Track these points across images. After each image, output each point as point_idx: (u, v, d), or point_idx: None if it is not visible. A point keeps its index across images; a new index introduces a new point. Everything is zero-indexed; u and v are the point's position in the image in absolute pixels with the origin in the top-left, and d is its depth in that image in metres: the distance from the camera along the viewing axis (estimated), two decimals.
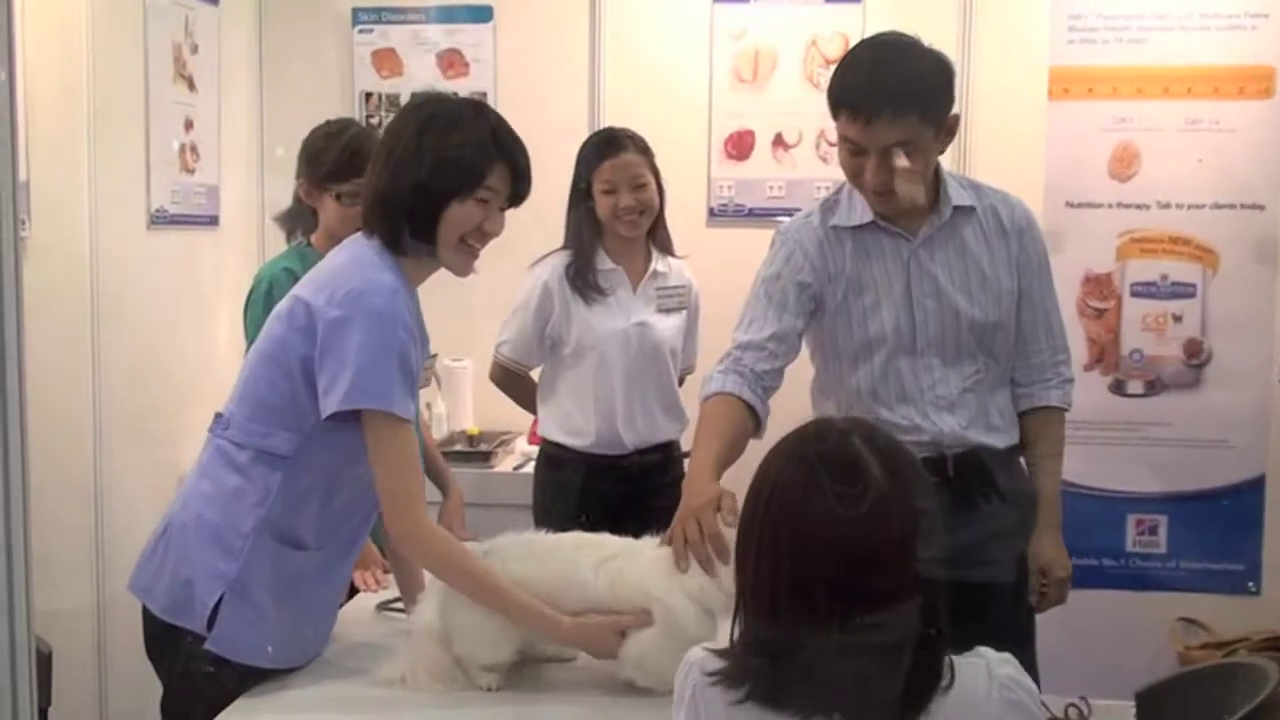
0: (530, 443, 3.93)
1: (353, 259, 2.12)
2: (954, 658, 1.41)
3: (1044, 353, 2.49)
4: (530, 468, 3.72)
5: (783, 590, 1.39)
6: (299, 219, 2.90)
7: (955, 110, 2.33)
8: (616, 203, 3.14)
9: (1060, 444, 2.52)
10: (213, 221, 3.96)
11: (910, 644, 1.36)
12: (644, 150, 3.18)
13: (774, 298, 2.42)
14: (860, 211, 2.40)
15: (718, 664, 1.47)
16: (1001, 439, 2.44)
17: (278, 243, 4.13)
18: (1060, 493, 2.52)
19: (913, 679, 1.36)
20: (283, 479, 2.08)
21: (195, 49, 3.77)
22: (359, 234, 2.20)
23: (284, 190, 4.14)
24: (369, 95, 4.24)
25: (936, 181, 2.41)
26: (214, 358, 3.97)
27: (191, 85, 3.77)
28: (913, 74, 2.28)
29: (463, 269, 2.17)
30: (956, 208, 2.41)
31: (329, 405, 2.01)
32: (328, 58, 4.27)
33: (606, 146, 3.17)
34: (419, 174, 2.07)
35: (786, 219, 2.59)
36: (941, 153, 2.38)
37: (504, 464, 3.86)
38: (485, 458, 3.84)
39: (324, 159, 2.77)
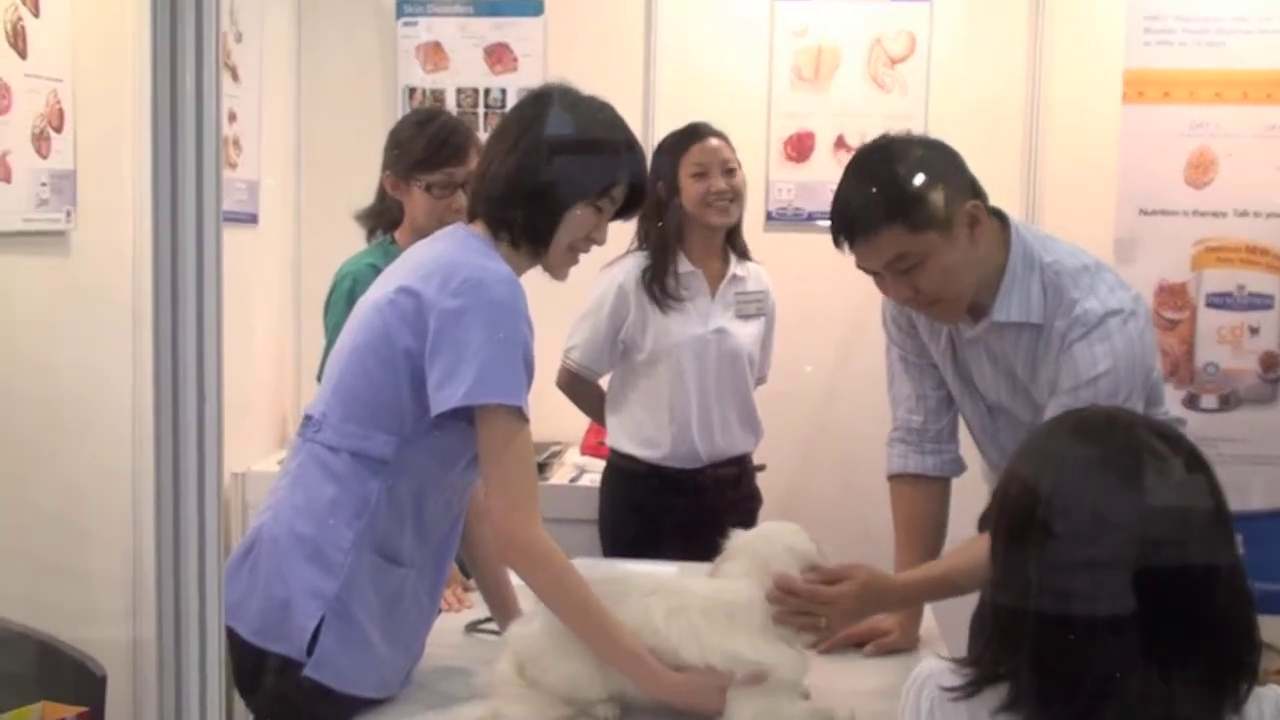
0: (583, 453, 3.77)
1: (458, 247, 1.98)
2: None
3: None
4: (586, 480, 3.57)
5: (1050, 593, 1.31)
6: (383, 215, 2.74)
7: (972, 200, 2.05)
8: (709, 187, 2.99)
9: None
10: (252, 220, 3.79)
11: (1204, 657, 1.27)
12: (728, 141, 3.06)
13: (894, 365, 2.40)
14: None
15: (958, 677, 1.36)
16: None
17: (314, 243, 4.03)
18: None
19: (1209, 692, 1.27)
20: (381, 486, 1.92)
21: (240, 38, 3.61)
22: (456, 225, 2.07)
23: (322, 189, 4.03)
24: (413, 91, 4.06)
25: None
26: (251, 361, 3.81)
27: (235, 76, 3.61)
28: (884, 186, 2.04)
29: (562, 273, 2.06)
30: (1002, 324, 2.11)
31: (446, 400, 1.84)
32: (369, 51, 4.10)
33: (692, 134, 3.04)
34: (550, 169, 1.95)
35: None
36: (976, 246, 2.07)
37: (558, 476, 3.68)
38: (539, 470, 3.66)
39: (412, 149, 2.63)
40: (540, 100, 2.04)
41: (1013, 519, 1.35)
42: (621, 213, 2.06)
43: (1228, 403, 3.74)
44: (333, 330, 2.55)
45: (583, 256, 2.08)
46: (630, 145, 2.05)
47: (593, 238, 2.03)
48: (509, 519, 1.88)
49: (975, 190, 2.10)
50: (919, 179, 2.05)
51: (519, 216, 1.97)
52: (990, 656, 1.34)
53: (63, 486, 2.94)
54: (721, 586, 1.97)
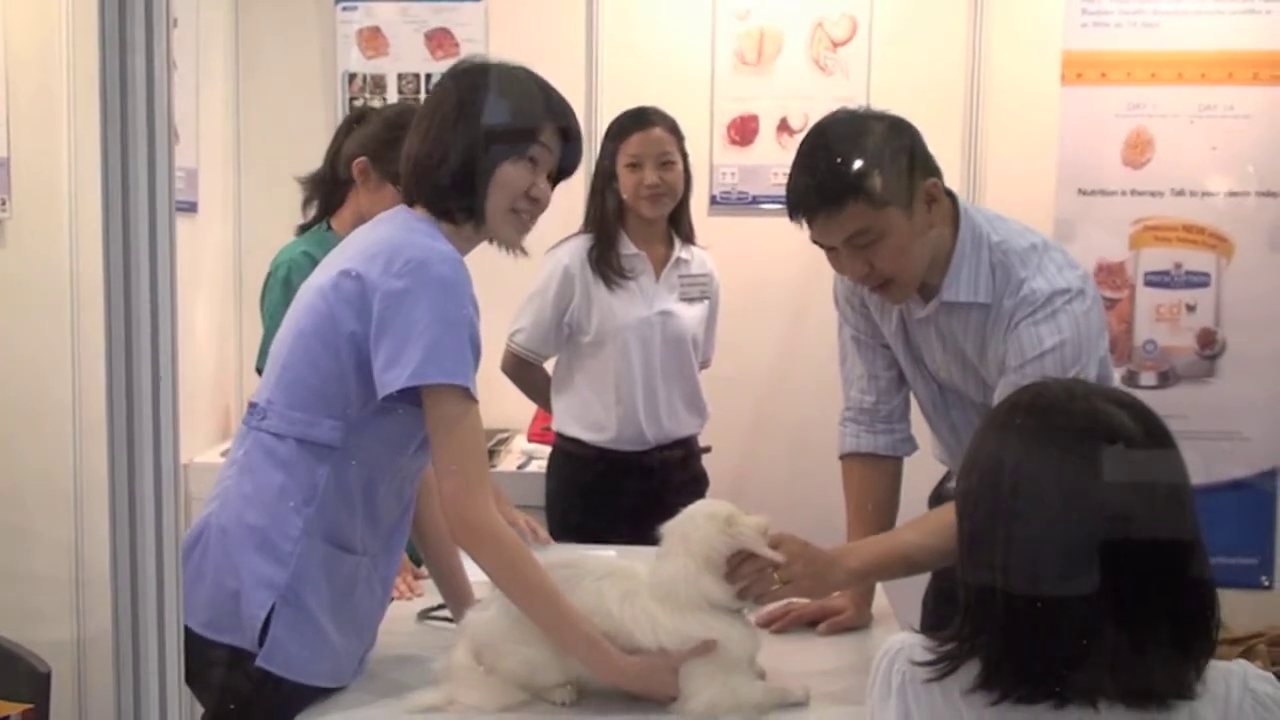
0: (530, 440, 3.76)
1: (402, 229, 1.94)
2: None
3: None
4: (534, 466, 3.56)
5: (1026, 566, 1.31)
6: (326, 187, 2.65)
7: (931, 179, 2.06)
8: (641, 179, 2.99)
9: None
10: (191, 208, 3.73)
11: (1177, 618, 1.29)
12: (674, 130, 3.03)
13: (846, 344, 2.40)
14: None
15: (930, 653, 1.36)
16: None
17: (255, 231, 3.98)
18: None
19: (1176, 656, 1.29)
20: (330, 473, 1.90)
21: (175, 23, 3.53)
22: (399, 207, 2.03)
23: (261, 176, 3.98)
24: (352, 76, 4.02)
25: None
26: (192, 352, 3.76)
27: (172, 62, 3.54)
28: (847, 160, 2.02)
29: (513, 240, 2.02)
30: (951, 304, 2.13)
31: (393, 382, 1.82)
32: (308, 36, 4.05)
33: (636, 121, 3.02)
34: (470, 134, 1.92)
35: None
36: (933, 225, 2.08)
37: (506, 463, 3.67)
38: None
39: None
40: (453, 76, 2.01)
41: (981, 496, 1.35)
42: (563, 168, 2.01)
43: (1166, 380, 3.80)
44: (270, 319, 2.50)
45: (528, 241, 2.05)
46: (546, 93, 1.99)
47: (532, 195, 1.97)
48: (460, 500, 1.86)
49: (933, 168, 2.10)
50: (883, 154, 2.02)
51: (448, 187, 1.94)
52: (968, 632, 1.34)
53: (1, 481, 2.89)
54: (658, 568, 1.96)
